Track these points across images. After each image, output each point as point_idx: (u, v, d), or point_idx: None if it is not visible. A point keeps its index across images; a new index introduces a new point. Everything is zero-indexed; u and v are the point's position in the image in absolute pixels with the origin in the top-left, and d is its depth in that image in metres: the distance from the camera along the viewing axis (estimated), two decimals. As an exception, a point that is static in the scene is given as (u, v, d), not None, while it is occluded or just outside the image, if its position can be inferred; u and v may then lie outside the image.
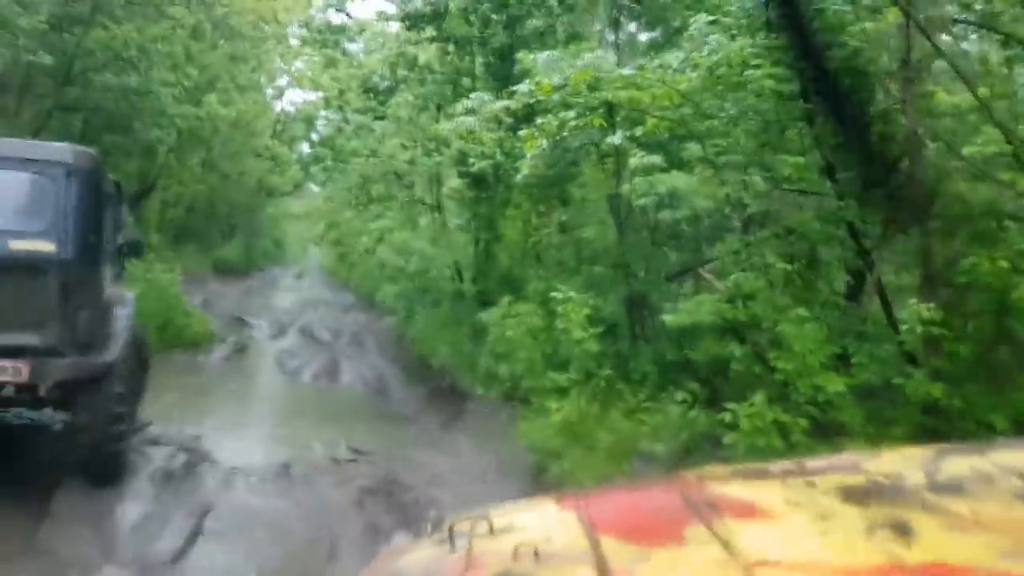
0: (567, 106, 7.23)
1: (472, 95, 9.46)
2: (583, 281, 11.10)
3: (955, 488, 1.66)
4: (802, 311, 5.94)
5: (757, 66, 6.32)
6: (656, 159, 7.21)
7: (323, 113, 15.32)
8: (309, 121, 15.14)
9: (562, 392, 8.39)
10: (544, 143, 7.54)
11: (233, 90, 25.65)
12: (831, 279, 8.79)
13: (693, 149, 7.32)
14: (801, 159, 6.52)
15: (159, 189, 23.34)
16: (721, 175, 6.91)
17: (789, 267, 6.83)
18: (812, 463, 1.95)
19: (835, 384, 5.66)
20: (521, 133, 7.86)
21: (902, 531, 1.51)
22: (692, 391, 7.03)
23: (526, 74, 8.79)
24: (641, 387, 9.06)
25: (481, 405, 11.38)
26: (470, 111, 8.93)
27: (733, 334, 7.90)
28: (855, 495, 1.70)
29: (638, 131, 7.40)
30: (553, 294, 8.76)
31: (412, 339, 16.80)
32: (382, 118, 14.20)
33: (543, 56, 7.40)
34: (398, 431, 11.14)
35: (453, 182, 15.49)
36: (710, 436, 6.28)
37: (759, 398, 5.60)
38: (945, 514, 1.59)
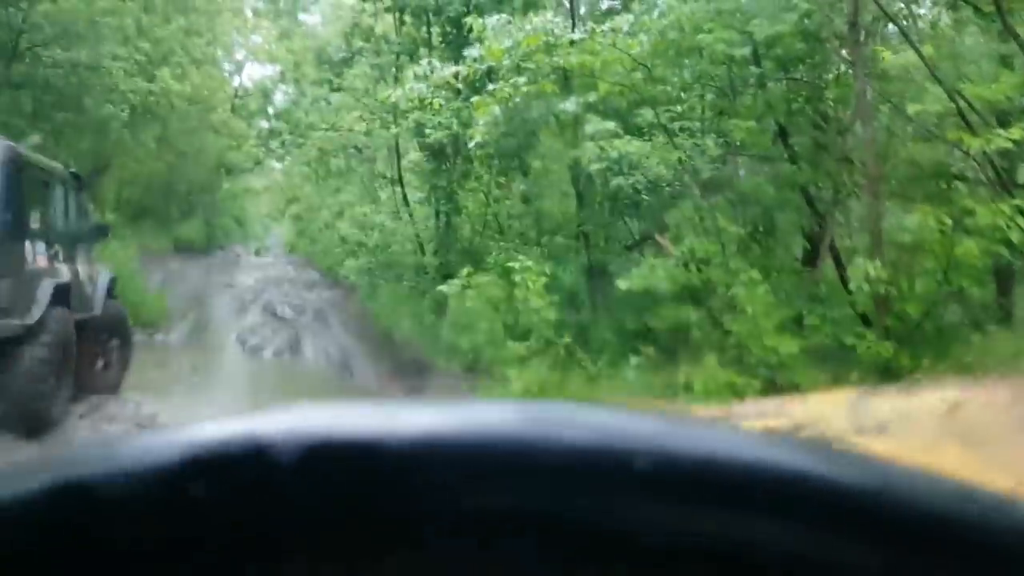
0: (519, 72, 7.17)
1: (423, 61, 9.34)
2: (544, 252, 11.10)
3: (879, 429, 1.66)
4: (754, 274, 5.98)
5: (710, 30, 6.30)
6: (610, 125, 7.17)
7: (280, 87, 15.08)
8: (266, 95, 14.89)
9: (522, 362, 8.39)
10: (496, 109, 7.47)
11: (188, 64, 25.09)
12: (787, 244, 8.88)
13: (647, 115, 7.31)
14: (754, 124, 6.53)
15: (115, 167, 22.84)
16: (675, 140, 6.89)
17: (743, 231, 6.86)
18: (739, 409, 2.01)
19: (788, 346, 5.72)
20: (474, 99, 7.77)
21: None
22: (649, 355, 7.06)
23: (480, 41, 8.69)
24: (601, 355, 9.10)
25: (444, 378, 11.36)
26: (421, 78, 8.81)
27: (690, 300, 7.95)
28: None
29: (592, 97, 7.35)
30: (511, 264, 8.73)
31: (375, 314, 16.69)
32: (339, 90, 13.99)
33: (494, 20, 7.30)
34: None
35: (413, 155, 15.33)
36: (667, 398, 6.32)
37: (711, 360, 5.64)
38: None
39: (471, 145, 8.95)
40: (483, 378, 10.19)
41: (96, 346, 8.91)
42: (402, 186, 15.28)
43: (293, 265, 33.36)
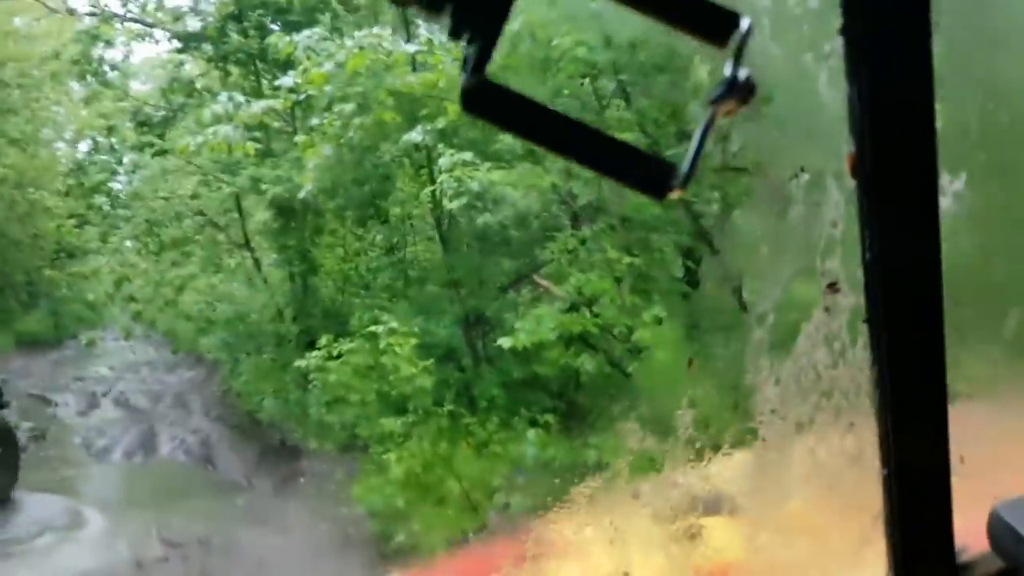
0: (345, 100, 6.05)
1: (220, 96, 8.08)
2: (413, 305, 9.96)
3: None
4: (656, 311, 5.04)
5: (567, 33, 5.37)
6: (467, 156, 6.15)
7: (94, 156, 13.48)
8: (80, 167, 13.29)
9: (401, 440, 7.21)
10: (328, 150, 6.31)
11: (6, 145, 22.86)
12: (667, 265, 8.03)
13: (507, 140, 6.32)
14: (629, 136, 5.64)
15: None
16: (544, 164, 5.92)
17: (634, 260, 5.93)
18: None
19: (706, 392, 4.79)
20: (298, 140, 6.60)
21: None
22: (546, 422, 6.02)
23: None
24: (489, 415, 8.03)
25: (316, 461, 10.07)
26: (222, 118, 7.51)
27: (582, 342, 6.99)
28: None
29: (440, 123, 6.31)
30: (374, 327, 7.57)
31: (238, 392, 15.21)
32: (163, 153, 12.57)
33: (304, 37, 6.14)
34: (223, 506, 9.73)
35: (260, 215, 13.97)
36: (577, 465, 5.29)
37: (626, 426, 4.64)
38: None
39: (302, 194, 7.73)
40: (361, 459, 8.94)
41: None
42: (251, 250, 13.87)
43: (155, 346, 31.11)
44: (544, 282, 7.04)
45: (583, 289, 5.79)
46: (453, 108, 6.23)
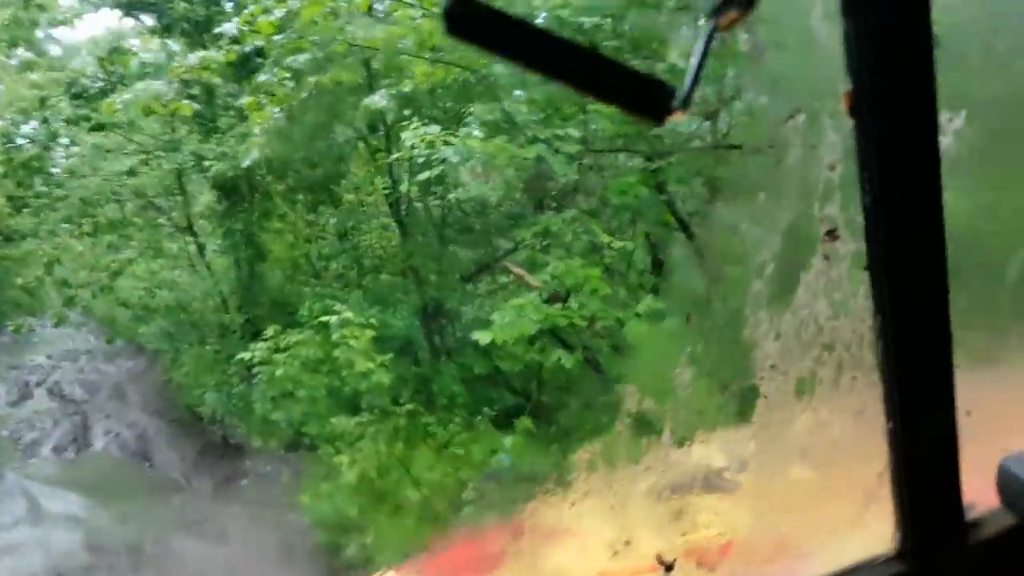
0: (299, 51, 5.36)
1: (153, 43, 7.31)
2: (368, 294, 9.30)
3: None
4: (651, 301, 4.49)
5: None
6: (434, 129, 5.51)
7: (24, 128, 12.53)
8: (8, 138, 12.33)
9: (353, 439, 6.57)
10: (277, 112, 5.63)
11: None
12: (633, 255, 7.47)
13: (482, 109, 5.65)
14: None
15: None
16: (528, 133, 5.29)
17: (625, 244, 5.37)
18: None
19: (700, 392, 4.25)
20: (244, 101, 5.91)
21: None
22: (526, 428, 5.44)
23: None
24: (450, 413, 7.44)
25: (259, 461, 9.39)
26: (152, 69, 6.71)
27: (551, 336, 6.42)
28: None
29: (407, 87, 5.64)
30: (326, 318, 6.90)
31: (178, 385, 14.41)
32: (100, 128, 11.71)
33: (252, -20, 5.46)
34: (158, 508, 9.06)
35: (205, 197, 13.15)
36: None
37: (614, 438, 4.09)
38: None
39: (246, 163, 7.01)
40: (309, 460, 8.27)
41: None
42: (194, 234, 13.05)
43: (96, 334, 29.91)
44: (518, 270, 6.46)
45: (564, 277, 5.20)
46: (422, 68, 5.59)
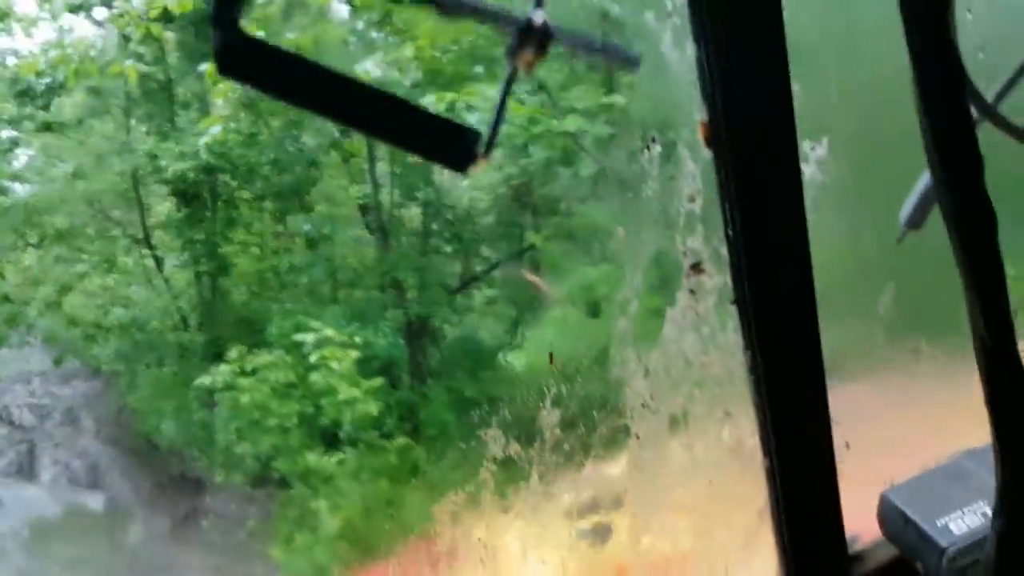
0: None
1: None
2: (345, 310, 8.35)
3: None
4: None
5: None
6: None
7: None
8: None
9: (330, 479, 5.60)
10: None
11: None
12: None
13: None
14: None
15: None
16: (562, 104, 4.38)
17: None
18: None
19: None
20: (204, 68, 4.96)
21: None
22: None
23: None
24: (442, 446, 6.50)
25: (222, 498, 8.40)
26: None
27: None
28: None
29: (407, 50, 4.68)
30: (301, 336, 5.94)
31: (133, 411, 13.36)
32: (47, 128, 10.67)
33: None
34: (108, 551, 8.05)
35: (163, 206, 12.16)
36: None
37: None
38: None
39: (204, 140, 6.06)
40: (279, 499, 7.27)
41: None
42: (151, 246, 12.02)
43: (53, 354, 28.63)
44: (535, 279, 5.56)
45: (595, 286, 4.29)
46: (427, 29, 4.67)
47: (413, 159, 6.18)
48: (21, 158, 11.60)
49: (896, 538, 1.28)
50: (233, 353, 7.28)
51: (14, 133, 11.20)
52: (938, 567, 1.22)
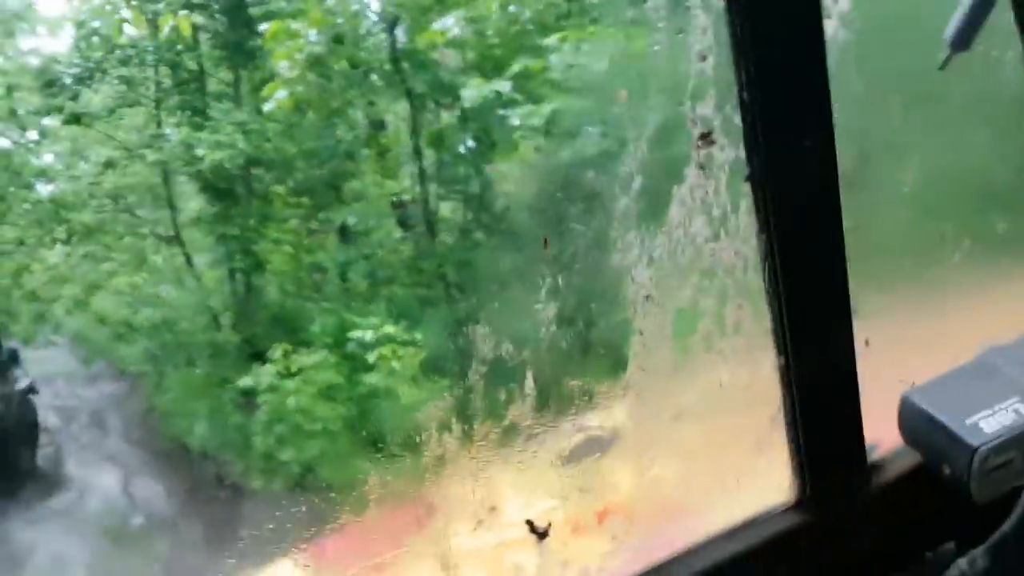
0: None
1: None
2: (389, 308, 7.96)
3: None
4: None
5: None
6: (503, 86, 4.11)
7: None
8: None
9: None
10: (314, 35, 4.26)
11: None
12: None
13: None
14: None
15: None
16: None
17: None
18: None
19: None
20: (265, 28, 4.57)
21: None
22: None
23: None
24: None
25: (261, 505, 7.97)
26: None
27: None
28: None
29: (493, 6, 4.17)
30: (355, 333, 5.52)
31: (163, 412, 13.12)
32: (75, 120, 10.34)
33: None
34: (136, 560, 7.74)
35: (194, 202, 11.89)
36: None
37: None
38: None
39: (269, 107, 5.64)
40: (322, 505, 6.89)
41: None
42: (182, 244, 11.73)
43: (78, 356, 28.62)
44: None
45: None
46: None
47: (462, 149, 5.73)
48: (48, 152, 11.39)
49: (919, 442, 1.20)
50: (277, 353, 6.89)
51: (42, 124, 10.94)
52: (968, 468, 1.12)
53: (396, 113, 9.95)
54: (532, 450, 1.82)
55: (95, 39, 10.34)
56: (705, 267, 1.25)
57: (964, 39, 1.08)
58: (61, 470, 12.54)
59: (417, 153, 7.86)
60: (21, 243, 11.59)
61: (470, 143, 7.10)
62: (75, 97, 10.38)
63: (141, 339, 12.24)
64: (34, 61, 10.63)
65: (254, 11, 8.11)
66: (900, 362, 1.33)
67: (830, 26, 1.03)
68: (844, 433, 1.17)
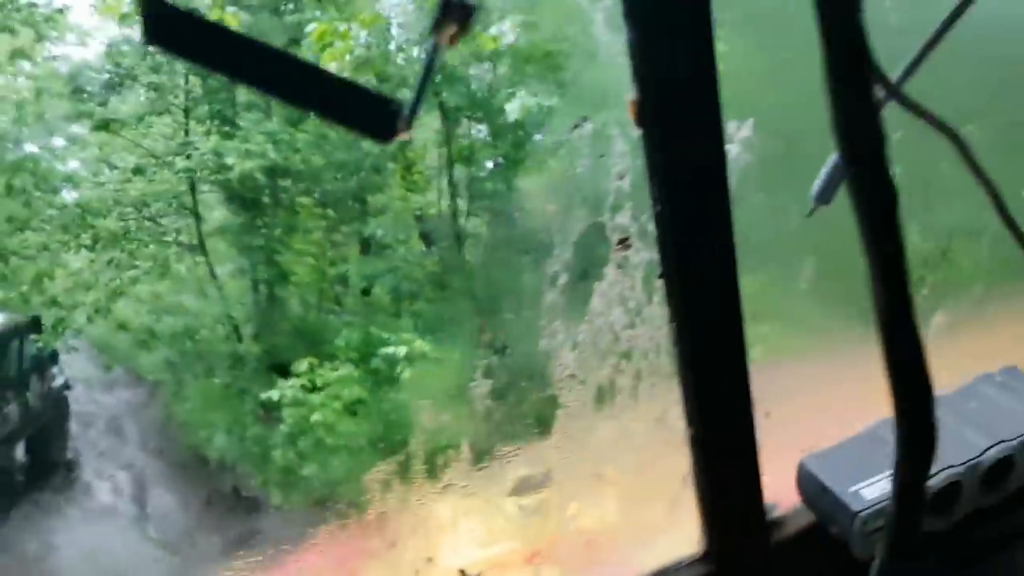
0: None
1: None
2: (415, 323, 7.80)
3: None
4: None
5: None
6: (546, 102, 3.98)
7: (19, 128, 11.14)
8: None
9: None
10: (365, 36, 4.17)
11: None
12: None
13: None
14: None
15: None
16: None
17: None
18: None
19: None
20: (311, 28, 4.47)
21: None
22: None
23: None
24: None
25: (280, 521, 7.78)
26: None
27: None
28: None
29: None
30: (387, 350, 5.37)
31: (181, 422, 12.96)
32: (104, 126, 10.28)
33: None
34: (153, 567, 7.60)
35: (218, 212, 11.79)
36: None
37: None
38: None
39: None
40: (348, 521, 6.73)
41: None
42: (205, 253, 11.62)
43: (97, 362, 28.51)
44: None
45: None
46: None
47: (491, 165, 5.66)
48: (75, 159, 11.33)
49: (813, 504, 1.32)
50: (303, 366, 6.74)
51: (70, 131, 10.89)
52: (850, 531, 1.26)
53: (425, 126, 9.87)
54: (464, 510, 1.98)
55: (126, 47, 10.34)
56: (623, 350, 1.37)
57: (826, 195, 1.21)
58: (79, 475, 12.47)
59: (449, 166, 7.71)
60: (45, 248, 11.51)
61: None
62: (104, 103, 10.34)
63: (162, 347, 12.10)
64: (63, 67, 10.64)
65: (290, 19, 8.05)
66: (803, 430, 1.44)
67: (733, 149, 1.13)
68: (746, 494, 1.26)
